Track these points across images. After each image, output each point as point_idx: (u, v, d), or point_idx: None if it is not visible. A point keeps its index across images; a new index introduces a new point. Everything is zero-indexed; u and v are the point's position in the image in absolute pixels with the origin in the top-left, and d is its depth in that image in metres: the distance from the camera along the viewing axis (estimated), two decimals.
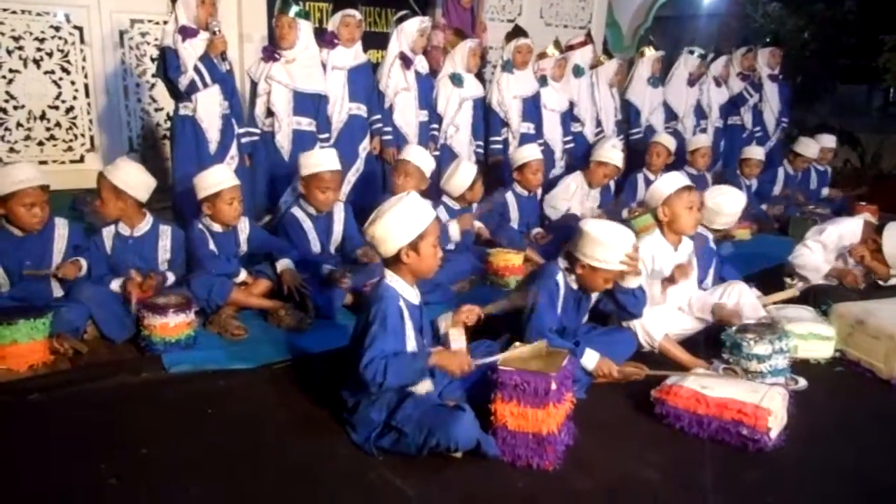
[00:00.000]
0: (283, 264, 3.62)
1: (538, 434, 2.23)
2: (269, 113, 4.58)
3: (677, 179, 3.33)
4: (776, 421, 2.45)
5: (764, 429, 2.40)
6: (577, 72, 6.07)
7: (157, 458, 2.30)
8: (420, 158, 4.23)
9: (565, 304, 2.93)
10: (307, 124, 4.63)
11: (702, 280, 3.53)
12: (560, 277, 2.91)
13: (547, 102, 5.80)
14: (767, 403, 2.43)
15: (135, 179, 3.47)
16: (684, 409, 2.53)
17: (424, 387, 2.41)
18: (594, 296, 3.03)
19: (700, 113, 6.94)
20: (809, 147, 6.45)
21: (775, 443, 2.43)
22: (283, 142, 4.58)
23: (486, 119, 5.64)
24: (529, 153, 4.91)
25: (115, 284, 3.33)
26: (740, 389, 2.55)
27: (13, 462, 2.28)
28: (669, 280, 3.20)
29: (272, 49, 4.50)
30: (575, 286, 2.95)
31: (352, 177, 4.88)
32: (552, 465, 2.26)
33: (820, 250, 3.92)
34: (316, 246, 3.92)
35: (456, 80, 5.30)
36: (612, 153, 5.20)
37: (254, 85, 4.56)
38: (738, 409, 2.44)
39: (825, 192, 6.59)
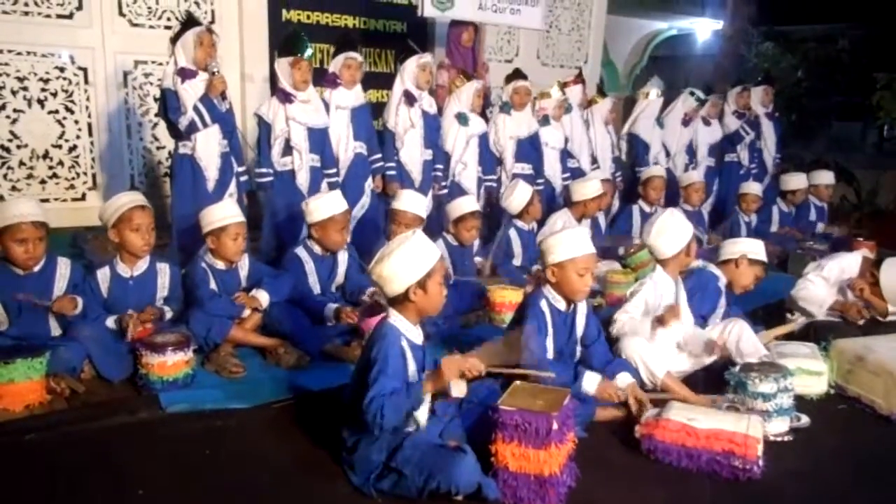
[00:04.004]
0: (258, 294, 3.59)
1: (540, 475, 2.21)
2: (283, 153, 4.59)
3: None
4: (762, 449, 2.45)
5: (755, 458, 2.40)
6: (567, 108, 6.16)
7: (155, 499, 2.27)
8: (412, 204, 4.19)
9: (556, 328, 2.95)
10: (317, 160, 4.69)
11: (706, 317, 3.53)
12: (544, 303, 2.95)
13: (548, 140, 5.89)
14: (754, 432, 2.44)
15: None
16: (672, 444, 2.52)
17: (423, 413, 2.39)
18: (581, 315, 3.04)
19: (690, 152, 7.02)
20: (793, 181, 6.52)
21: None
22: (303, 179, 4.60)
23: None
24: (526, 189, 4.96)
25: (111, 321, 3.32)
26: (724, 419, 2.56)
27: (9, 502, 2.25)
28: (659, 322, 3.21)
29: (287, 92, 4.52)
30: (562, 305, 2.97)
31: (357, 212, 4.92)
32: None
33: (822, 284, 3.93)
34: (315, 288, 3.92)
35: (462, 119, 5.38)
36: (585, 188, 5.25)
37: (267, 126, 4.55)
38: (728, 440, 2.43)
39: (820, 227, 6.62)
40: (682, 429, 2.51)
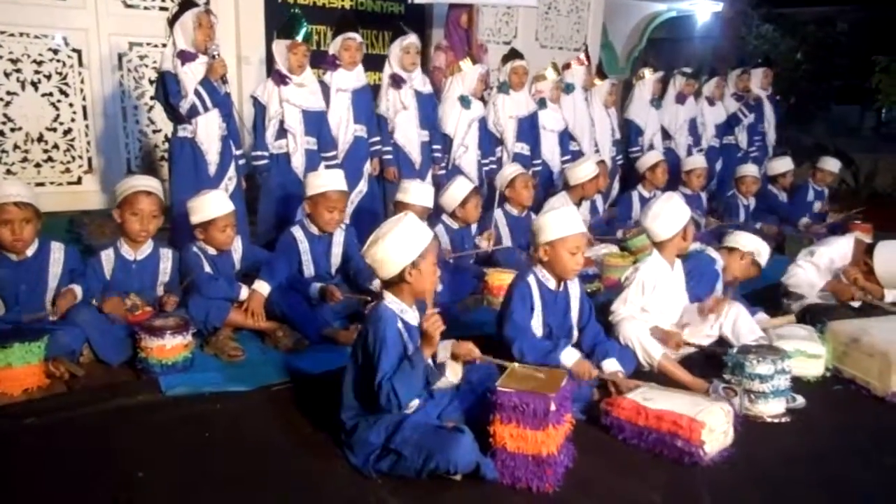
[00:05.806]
0: (257, 286, 3.54)
1: (538, 456, 2.22)
2: (278, 136, 4.57)
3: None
4: (713, 436, 2.47)
5: (698, 442, 2.42)
6: (567, 88, 6.13)
7: (154, 482, 2.28)
8: (419, 197, 4.16)
9: (545, 304, 3.00)
10: (313, 143, 4.66)
11: (702, 299, 3.53)
12: (532, 279, 3.00)
13: (546, 123, 5.88)
14: (704, 417, 2.46)
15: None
16: (626, 420, 2.59)
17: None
18: (574, 297, 3.07)
19: (694, 132, 7.01)
20: (778, 165, 6.52)
21: (714, 458, 2.46)
22: (298, 162, 4.58)
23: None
24: (514, 168, 4.96)
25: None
26: (680, 402, 2.59)
27: (8, 487, 2.26)
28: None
29: (283, 74, 4.49)
30: (552, 284, 3.00)
31: (355, 197, 4.90)
32: (552, 488, 2.24)
33: (813, 269, 3.95)
34: (308, 268, 3.89)
35: (464, 102, 5.37)
36: (579, 171, 5.25)
37: (261, 108, 4.53)
38: (673, 421, 2.48)
39: (817, 206, 6.60)
40: (634, 407, 2.58)
